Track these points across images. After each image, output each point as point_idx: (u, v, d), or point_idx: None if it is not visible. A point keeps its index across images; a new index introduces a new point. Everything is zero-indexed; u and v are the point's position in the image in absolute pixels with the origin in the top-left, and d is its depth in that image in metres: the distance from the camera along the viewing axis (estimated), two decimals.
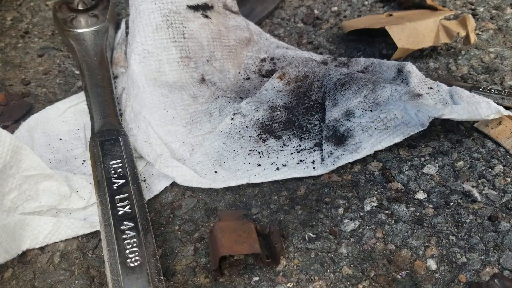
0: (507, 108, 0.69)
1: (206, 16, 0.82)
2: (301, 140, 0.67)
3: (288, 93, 0.75)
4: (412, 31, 0.81)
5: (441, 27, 0.83)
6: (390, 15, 0.92)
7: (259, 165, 0.64)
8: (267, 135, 0.69)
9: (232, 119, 0.71)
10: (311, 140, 0.67)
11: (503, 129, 0.68)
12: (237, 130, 0.69)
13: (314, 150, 0.66)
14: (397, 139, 0.64)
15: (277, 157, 0.65)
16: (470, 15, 0.83)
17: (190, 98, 0.74)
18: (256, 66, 0.84)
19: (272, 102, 0.74)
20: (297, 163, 0.64)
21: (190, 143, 0.68)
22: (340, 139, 0.66)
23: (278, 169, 0.63)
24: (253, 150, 0.66)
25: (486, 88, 0.73)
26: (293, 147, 0.66)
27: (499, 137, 0.67)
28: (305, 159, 0.65)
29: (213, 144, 0.68)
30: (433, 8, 0.91)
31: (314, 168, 0.63)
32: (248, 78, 0.81)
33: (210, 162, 0.65)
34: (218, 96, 0.76)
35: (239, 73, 0.82)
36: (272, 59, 0.85)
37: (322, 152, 0.65)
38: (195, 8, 0.81)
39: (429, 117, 0.63)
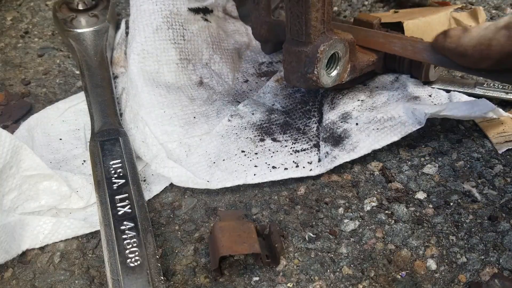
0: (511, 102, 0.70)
1: (206, 20, 0.82)
2: (298, 142, 0.67)
3: (285, 97, 0.75)
4: (426, 26, 0.80)
5: (453, 20, 0.82)
6: (396, 11, 0.92)
7: (256, 166, 0.64)
8: (264, 136, 0.69)
9: (229, 120, 0.71)
10: (307, 142, 0.67)
11: (497, 124, 0.67)
12: (234, 132, 0.69)
13: (311, 151, 0.66)
14: (395, 138, 0.64)
15: (274, 158, 0.65)
16: (481, 8, 0.83)
17: (188, 100, 0.74)
18: (255, 69, 0.84)
19: (270, 105, 0.74)
20: (293, 162, 0.64)
21: (187, 144, 0.68)
22: (337, 140, 0.66)
23: (274, 168, 0.63)
24: (250, 151, 0.66)
25: (490, 83, 0.73)
26: (290, 148, 0.66)
27: (489, 130, 0.67)
28: (302, 160, 0.64)
29: (210, 145, 0.68)
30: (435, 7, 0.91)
31: (311, 169, 0.63)
32: (247, 81, 0.82)
33: (207, 163, 0.65)
34: (216, 99, 0.76)
35: (237, 78, 0.82)
36: (270, 63, 0.85)
37: (319, 153, 0.65)
38: (195, 11, 0.81)
39: (426, 114, 0.63)
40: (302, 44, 0.63)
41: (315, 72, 0.62)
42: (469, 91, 0.72)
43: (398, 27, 0.81)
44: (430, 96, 0.71)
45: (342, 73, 0.66)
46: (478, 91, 0.72)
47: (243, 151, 0.66)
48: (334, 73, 0.65)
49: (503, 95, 0.71)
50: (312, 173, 0.63)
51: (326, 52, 0.62)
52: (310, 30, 0.61)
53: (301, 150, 0.66)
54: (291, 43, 0.64)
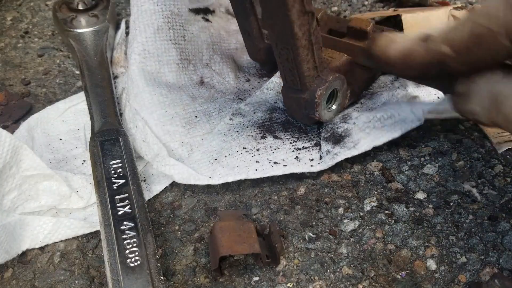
0: None
1: (207, 20, 0.82)
2: (299, 140, 0.68)
3: None
4: (425, 20, 0.80)
5: (452, 18, 0.82)
6: (395, 10, 0.92)
7: (257, 161, 0.64)
8: (266, 134, 0.69)
9: (231, 119, 0.71)
10: (308, 141, 0.67)
11: None
12: (235, 130, 0.70)
13: (313, 149, 0.66)
14: (395, 135, 0.64)
15: (276, 154, 0.65)
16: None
17: (189, 98, 0.74)
18: (256, 69, 0.84)
19: (272, 102, 0.74)
20: (295, 158, 0.64)
21: (189, 143, 0.68)
22: (338, 139, 0.66)
23: (276, 163, 0.63)
24: (252, 148, 0.66)
25: None
26: (292, 145, 0.67)
27: (489, 130, 0.67)
28: (304, 157, 0.65)
29: (212, 143, 0.68)
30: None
31: (312, 165, 0.63)
32: (248, 81, 0.82)
33: (208, 160, 0.65)
34: (217, 97, 0.76)
35: (239, 77, 0.82)
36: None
37: (320, 151, 0.65)
38: (196, 11, 0.81)
39: (423, 111, 0.64)
40: (299, 91, 0.64)
41: (316, 114, 0.64)
42: None
43: (398, 26, 0.81)
44: (430, 95, 0.71)
45: (342, 101, 0.67)
46: None
47: (244, 148, 0.66)
48: (334, 106, 0.67)
49: None
50: (314, 169, 0.63)
51: (324, 95, 0.63)
52: (305, 80, 0.61)
53: (303, 148, 0.66)
54: (288, 89, 0.65)
